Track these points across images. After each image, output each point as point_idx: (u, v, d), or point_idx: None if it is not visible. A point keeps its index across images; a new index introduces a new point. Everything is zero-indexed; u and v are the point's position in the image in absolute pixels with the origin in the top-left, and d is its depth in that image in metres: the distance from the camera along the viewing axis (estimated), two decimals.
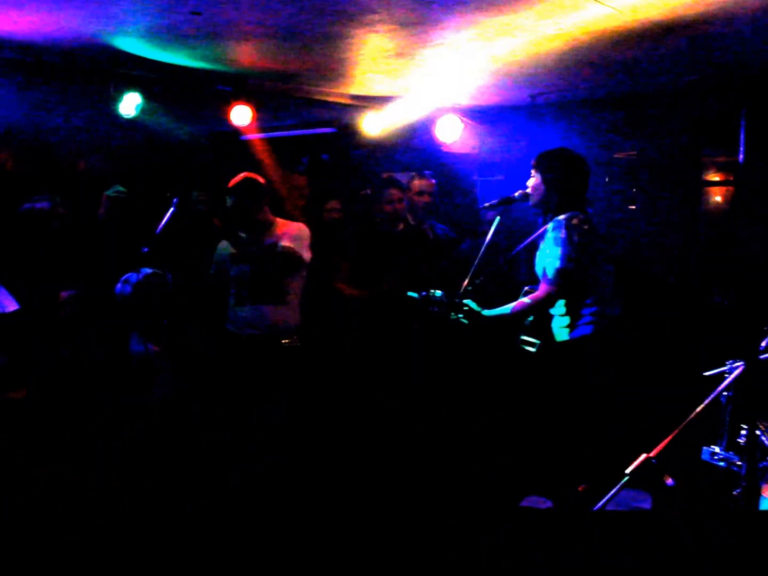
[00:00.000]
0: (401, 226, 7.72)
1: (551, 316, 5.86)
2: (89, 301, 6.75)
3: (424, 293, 5.75)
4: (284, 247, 6.71)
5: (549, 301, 5.71)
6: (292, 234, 6.84)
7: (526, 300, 5.80)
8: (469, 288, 5.79)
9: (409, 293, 5.87)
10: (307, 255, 6.87)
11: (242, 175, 6.84)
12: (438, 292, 5.74)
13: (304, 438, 5.89)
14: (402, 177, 8.49)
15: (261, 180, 6.88)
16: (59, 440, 4.61)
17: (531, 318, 5.93)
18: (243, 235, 6.85)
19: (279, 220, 6.98)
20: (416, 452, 6.14)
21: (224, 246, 6.98)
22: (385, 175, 8.04)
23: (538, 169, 5.85)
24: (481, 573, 4.32)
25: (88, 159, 8.29)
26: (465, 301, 5.69)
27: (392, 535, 4.50)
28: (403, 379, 7.01)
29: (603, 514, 5.01)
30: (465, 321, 5.73)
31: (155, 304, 6.53)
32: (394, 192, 7.58)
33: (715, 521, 4.92)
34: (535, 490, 6.04)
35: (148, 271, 6.51)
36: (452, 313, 5.71)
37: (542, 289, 5.70)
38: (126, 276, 6.54)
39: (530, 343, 5.90)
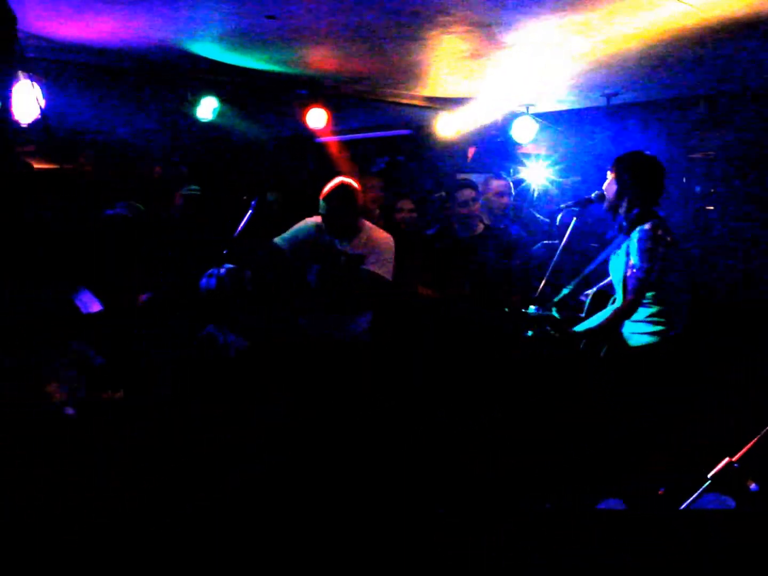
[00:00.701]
0: (481, 227, 7.62)
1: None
2: (167, 302, 6.81)
3: (540, 310, 5.71)
4: (371, 273, 6.69)
5: (631, 311, 5.64)
6: (379, 250, 6.79)
7: (608, 312, 5.74)
8: (547, 290, 5.77)
9: (528, 310, 5.80)
10: (390, 271, 6.82)
11: (337, 181, 6.81)
12: (532, 308, 5.72)
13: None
14: (477, 179, 8.43)
15: (355, 185, 6.83)
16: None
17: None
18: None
19: (366, 224, 6.92)
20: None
21: (311, 229, 6.91)
22: (460, 177, 7.97)
23: (614, 171, 5.78)
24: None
25: (165, 163, 8.35)
26: (553, 313, 5.67)
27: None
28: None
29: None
30: (554, 333, 5.70)
31: (238, 297, 6.58)
32: (468, 192, 7.49)
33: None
34: (612, 492, 5.95)
35: (230, 266, 6.55)
36: (544, 326, 5.70)
37: (626, 301, 5.63)
38: (210, 271, 6.58)
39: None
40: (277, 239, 6.81)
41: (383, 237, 6.92)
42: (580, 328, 5.76)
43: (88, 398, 5.55)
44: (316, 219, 6.87)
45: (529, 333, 5.76)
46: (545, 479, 6.04)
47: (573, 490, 5.78)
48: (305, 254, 6.78)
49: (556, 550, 4.52)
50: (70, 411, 5.34)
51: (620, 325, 5.75)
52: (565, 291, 5.94)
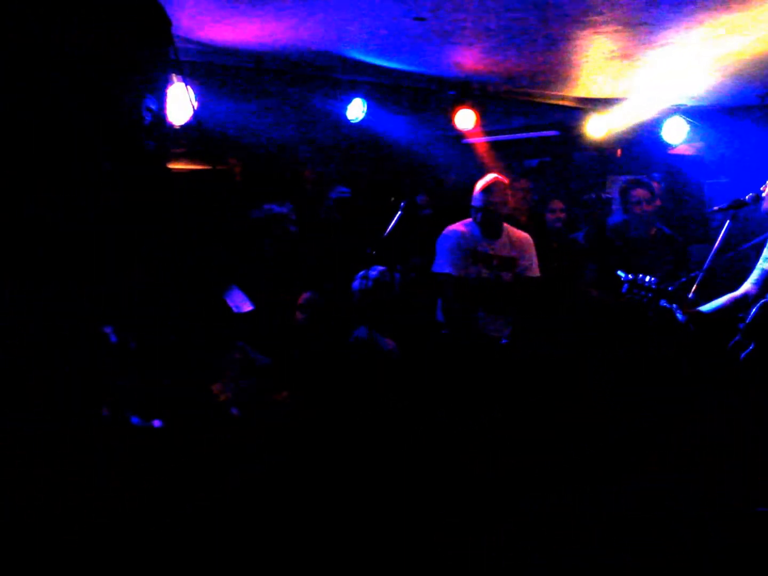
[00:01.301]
0: (653, 230, 7.48)
1: None
2: (325, 302, 6.88)
3: (631, 276, 5.64)
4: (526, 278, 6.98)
5: (748, 300, 5.48)
6: (525, 250, 7.04)
7: (728, 297, 5.61)
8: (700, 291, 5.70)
9: (618, 272, 5.79)
10: (538, 268, 7.06)
11: (493, 176, 6.90)
12: (649, 278, 5.63)
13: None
14: (624, 180, 8.29)
15: (507, 182, 6.93)
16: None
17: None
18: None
19: (506, 225, 7.01)
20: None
21: (464, 238, 6.93)
22: (631, 179, 7.84)
23: None
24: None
25: (315, 165, 8.45)
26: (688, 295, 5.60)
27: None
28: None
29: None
30: (674, 311, 5.61)
31: (390, 299, 6.63)
32: (642, 192, 7.38)
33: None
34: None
35: (381, 268, 6.62)
36: (662, 301, 5.61)
37: (744, 288, 5.50)
38: (362, 273, 6.65)
39: (741, 347, 5.70)
40: (444, 269, 6.88)
41: (524, 236, 7.10)
42: (705, 308, 5.63)
43: (255, 399, 5.63)
44: (455, 227, 6.94)
45: (662, 303, 5.69)
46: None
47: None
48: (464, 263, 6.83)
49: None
50: (234, 411, 5.42)
51: (737, 311, 5.60)
52: (700, 274, 5.82)
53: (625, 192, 7.47)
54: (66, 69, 4.42)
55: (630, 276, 5.64)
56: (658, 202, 7.84)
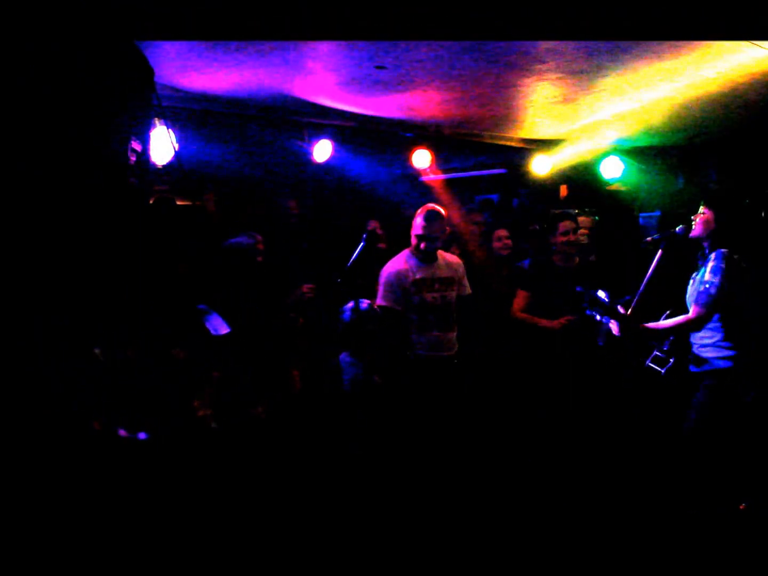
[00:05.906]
0: (576, 260, 7.47)
1: (691, 343, 5.66)
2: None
3: (592, 291, 5.70)
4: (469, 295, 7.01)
5: (697, 323, 5.54)
6: (460, 272, 7.02)
7: (677, 319, 5.63)
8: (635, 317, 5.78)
9: (578, 288, 5.97)
10: (469, 288, 7.06)
11: (431, 205, 6.85)
12: (603, 294, 5.70)
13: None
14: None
15: (445, 213, 6.90)
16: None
17: (671, 339, 5.75)
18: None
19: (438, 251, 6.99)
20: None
21: (403, 271, 6.89)
22: (557, 211, 7.84)
23: (710, 206, 5.62)
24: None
25: (298, 200, 8.37)
26: (617, 307, 5.73)
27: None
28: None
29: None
30: (613, 324, 5.79)
31: (374, 330, 6.55)
32: (568, 223, 7.38)
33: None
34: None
35: (367, 301, 6.53)
36: (605, 316, 5.80)
37: (693, 312, 5.53)
38: (350, 305, 6.54)
39: (662, 362, 5.72)
40: (381, 302, 6.79)
41: (455, 258, 7.13)
42: (648, 324, 5.73)
43: (233, 414, 5.56)
44: (395, 262, 6.87)
45: (597, 316, 5.83)
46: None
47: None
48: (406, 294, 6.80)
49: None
50: (213, 425, 5.35)
51: (683, 333, 5.63)
52: (627, 298, 5.91)
53: (553, 224, 7.45)
54: (58, 115, 4.42)
55: (590, 291, 5.74)
56: (585, 233, 7.86)
